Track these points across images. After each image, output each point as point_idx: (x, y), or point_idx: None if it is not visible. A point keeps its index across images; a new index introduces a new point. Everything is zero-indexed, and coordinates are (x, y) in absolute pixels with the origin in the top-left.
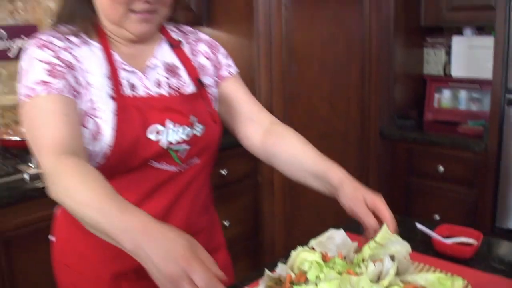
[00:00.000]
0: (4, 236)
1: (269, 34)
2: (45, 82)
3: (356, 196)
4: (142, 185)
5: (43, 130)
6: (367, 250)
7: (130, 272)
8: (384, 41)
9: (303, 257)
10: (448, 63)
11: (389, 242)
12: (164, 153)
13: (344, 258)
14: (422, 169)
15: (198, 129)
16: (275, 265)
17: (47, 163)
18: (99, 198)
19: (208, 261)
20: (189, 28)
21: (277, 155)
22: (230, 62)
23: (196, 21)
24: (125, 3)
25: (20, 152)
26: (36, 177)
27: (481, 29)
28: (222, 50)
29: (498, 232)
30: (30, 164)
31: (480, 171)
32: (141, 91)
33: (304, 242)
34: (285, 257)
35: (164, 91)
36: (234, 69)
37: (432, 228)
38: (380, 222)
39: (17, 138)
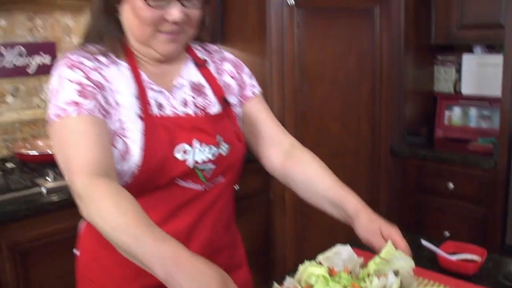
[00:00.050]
0: (20, 248)
1: (281, 52)
2: (76, 103)
3: (372, 228)
4: (168, 203)
5: (74, 150)
6: (372, 265)
7: None
8: (395, 59)
9: (310, 271)
10: (458, 80)
11: (394, 258)
12: (191, 172)
13: (350, 272)
14: (432, 186)
15: (224, 149)
16: (283, 278)
17: (79, 183)
18: (132, 223)
19: None
20: (214, 47)
21: (294, 178)
22: (254, 82)
23: (210, 39)
24: (154, 25)
25: (38, 166)
26: (53, 191)
27: (491, 47)
28: (246, 70)
29: (507, 249)
30: (47, 178)
31: (490, 188)
32: (168, 111)
33: (314, 259)
34: (293, 271)
35: (191, 110)
36: (257, 90)
37: (438, 245)
38: None
39: (35, 153)
